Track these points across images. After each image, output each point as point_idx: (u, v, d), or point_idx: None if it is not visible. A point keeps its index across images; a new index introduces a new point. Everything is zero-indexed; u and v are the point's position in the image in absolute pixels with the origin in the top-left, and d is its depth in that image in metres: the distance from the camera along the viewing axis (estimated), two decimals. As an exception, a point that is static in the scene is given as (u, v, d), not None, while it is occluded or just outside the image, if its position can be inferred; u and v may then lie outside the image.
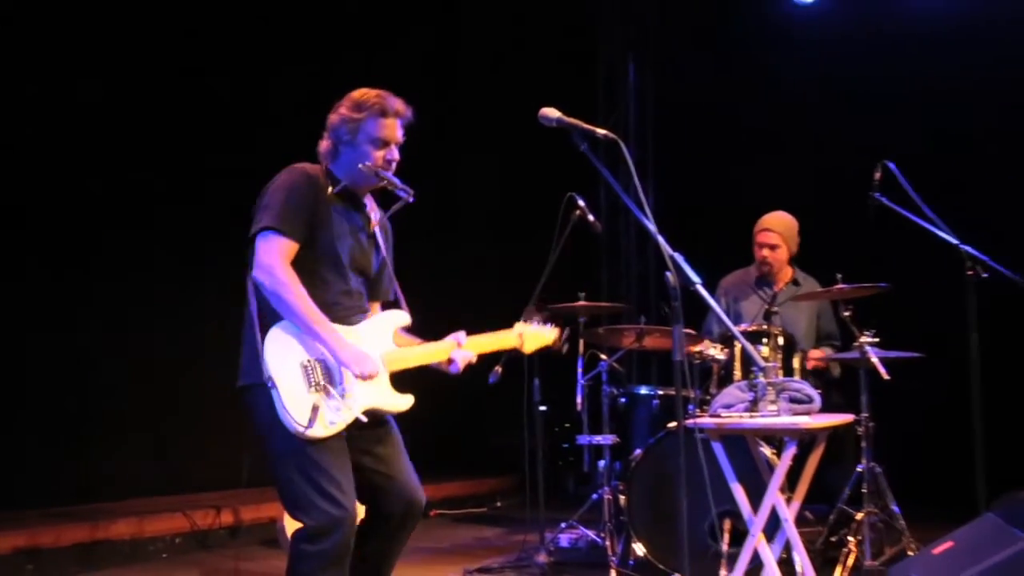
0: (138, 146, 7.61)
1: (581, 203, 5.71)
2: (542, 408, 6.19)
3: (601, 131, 3.94)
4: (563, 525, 6.54)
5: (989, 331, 5.42)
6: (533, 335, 4.44)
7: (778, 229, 6.49)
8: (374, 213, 4.20)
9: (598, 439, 6.33)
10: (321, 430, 3.76)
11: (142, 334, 7.57)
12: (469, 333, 4.23)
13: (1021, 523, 4.67)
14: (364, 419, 3.87)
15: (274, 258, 3.80)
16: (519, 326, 4.44)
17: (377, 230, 4.19)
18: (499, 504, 8.92)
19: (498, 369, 5.57)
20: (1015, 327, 6.58)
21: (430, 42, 9.43)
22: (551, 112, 3.96)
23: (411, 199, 4.05)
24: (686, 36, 9.59)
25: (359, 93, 4.07)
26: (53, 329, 7.11)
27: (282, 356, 3.79)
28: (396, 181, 4.03)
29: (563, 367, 6.51)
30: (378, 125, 4.01)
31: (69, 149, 7.23)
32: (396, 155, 4.06)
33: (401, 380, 4.07)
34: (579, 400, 6.45)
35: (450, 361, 4.13)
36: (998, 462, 5.40)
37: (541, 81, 9.08)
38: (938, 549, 4.16)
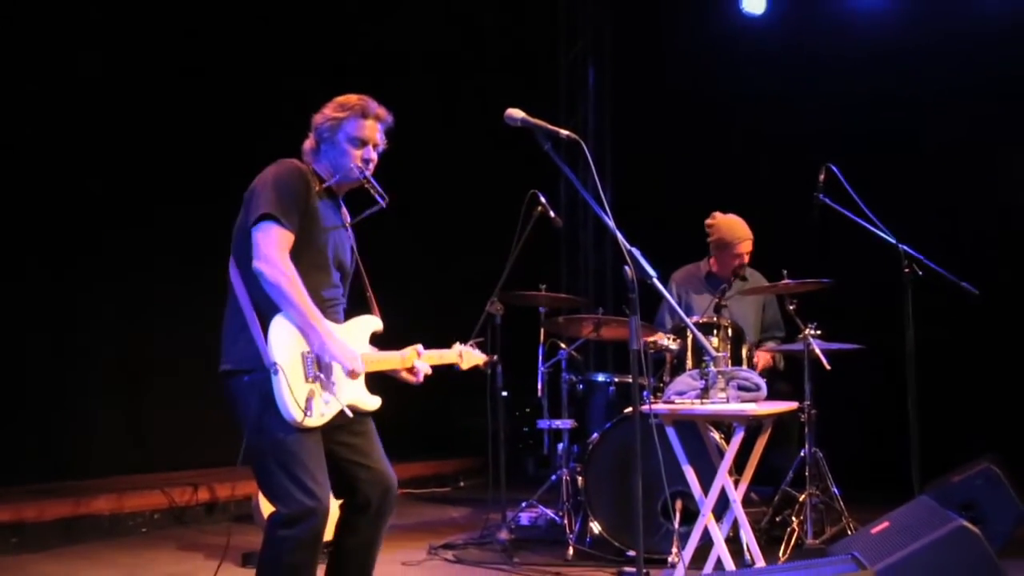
0: (137, 144, 7.53)
1: (543, 200, 5.70)
2: (504, 393, 6.18)
3: (564, 132, 3.92)
4: (523, 504, 6.53)
5: (924, 325, 5.46)
6: (468, 355, 4.53)
7: (752, 238, 6.49)
8: (345, 211, 4.17)
9: (557, 423, 6.34)
10: (314, 419, 3.74)
11: (119, 321, 7.50)
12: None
13: (953, 505, 4.71)
14: (350, 413, 3.86)
15: (275, 249, 3.73)
16: (457, 347, 4.50)
17: (350, 229, 4.16)
18: (463, 484, 8.91)
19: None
20: (948, 322, 6.61)
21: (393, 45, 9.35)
22: (516, 113, 3.93)
23: (384, 205, 4.03)
24: (642, 45, 9.60)
25: (343, 96, 4.04)
26: (38, 314, 7.03)
27: (285, 344, 3.73)
28: (376, 185, 4.00)
29: (524, 355, 6.50)
30: (358, 125, 3.98)
31: (69, 147, 7.14)
32: (373, 156, 4.02)
33: (372, 380, 4.08)
34: (539, 386, 6.45)
35: (411, 370, 4.15)
36: (932, 448, 5.44)
37: (507, 85, 9.06)
38: (876, 529, 4.16)
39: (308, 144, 4.06)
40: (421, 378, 4.19)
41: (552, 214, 5.75)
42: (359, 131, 3.98)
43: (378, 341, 4.19)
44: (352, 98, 4.02)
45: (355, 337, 4.04)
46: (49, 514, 6.35)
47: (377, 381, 4.10)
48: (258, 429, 3.75)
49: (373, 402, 4.05)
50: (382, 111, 4.04)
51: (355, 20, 8.79)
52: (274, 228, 3.75)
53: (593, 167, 3.92)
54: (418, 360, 4.16)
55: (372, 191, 4.01)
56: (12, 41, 6.83)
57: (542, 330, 6.41)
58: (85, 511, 6.52)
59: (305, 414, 3.70)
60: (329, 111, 4.01)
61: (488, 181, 8.64)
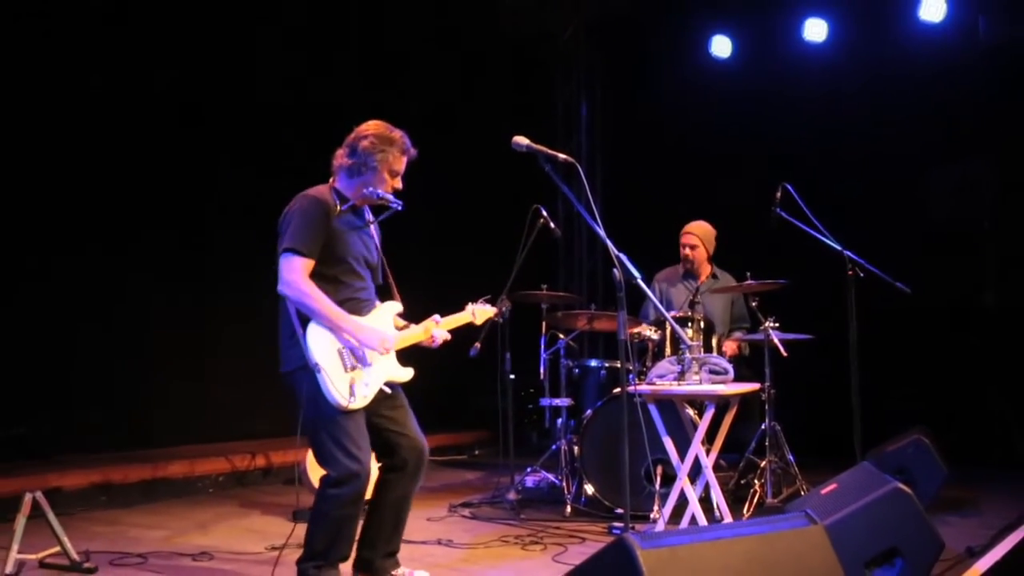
0: (205, 129, 7.53)
1: (544, 213, 5.70)
2: (512, 376, 6.17)
3: (561, 155, 3.95)
4: (528, 470, 6.54)
5: (864, 318, 5.46)
6: (480, 312, 4.56)
7: (697, 233, 6.55)
8: (368, 214, 4.23)
9: (556, 401, 6.33)
10: (357, 402, 3.87)
11: (194, 309, 7.47)
12: (447, 314, 4.39)
13: (889, 469, 4.72)
14: (388, 389, 4.01)
15: (295, 275, 3.84)
16: (470, 306, 4.54)
17: (373, 228, 4.23)
18: (477, 453, 8.90)
19: (478, 345, 5.60)
20: (884, 315, 6.59)
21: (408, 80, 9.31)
22: (521, 140, 3.95)
23: (400, 209, 4.10)
24: (627, 82, 9.60)
25: (385, 127, 4.06)
26: (122, 301, 7.02)
27: (322, 346, 3.85)
28: (391, 199, 4.07)
29: (529, 344, 6.50)
30: (398, 160, 4.05)
31: (138, 139, 7.11)
32: (400, 185, 4.10)
33: (403, 356, 4.17)
34: (541, 370, 6.45)
35: (431, 338, 4.25)
36: (871, 422, 5.44)
37: (511, 116, 9.06)
38: (825, 490, 4.16)
39: (341, 160, 4.07)
40: (438, 343, 4.28)
41: (552, 225, 5.75)
42: (398, 165, 4.06)
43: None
44: (396, 134, 4.05)
45: (382, 322, 4.11)
46: (132, 477, 6.39)
47: (415, 378, 4.20)
48: (313, 410, 3.87)
49: (406, 373, 4.15)
50: (413, 150, 4.10)
51: (386, 63, 8.79)
52: (294, 259, 3.85)
53: (586, 185, 3.96)
54: (436, 328, 4.27)
55: (387, 203, 4.08)
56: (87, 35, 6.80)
57: (544, 323, 6.41)
58: (162, 474, 6.55)
59: (349, 400, 3.83)
60: (375, 141, 4.00)
61: (498, 197, 8.63)
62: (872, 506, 3.68)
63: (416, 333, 4.22)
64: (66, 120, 6.69)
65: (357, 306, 4.00)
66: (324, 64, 8.29)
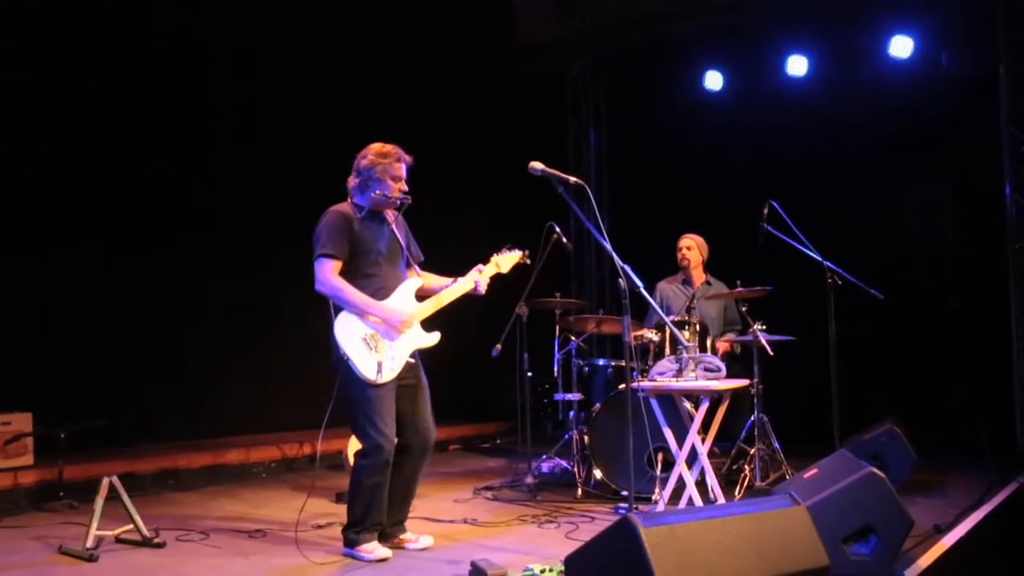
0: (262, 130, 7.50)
1: (557, 230, 5.70)
2: (529, 374, 6.16)
3: (572, 179, 3.98)
4: (544, 457, 6.53)
5: (842, 321, 5.44)
6: (506, 259, 4.63)
7: (692, 239, 6.60)
8: (391, 215, 4.41)
9: (569, 396, 6.32)
10: (385, 376, 4.12)
11: (245, 315, 7.46)
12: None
13: (864, 456, 4.69)
14: (412, 360, 4.24)
15: (326, 274, 4.14)
16: (494, 257, 4.61)
17: (395, 226, 4.41)
18: (499, 441, 8.89)
19: (499, 346, 5.61)
20: (860, 319, 6.56)
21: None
22: (537, 165, 3.99)
23: (409, 201, 4.32)
24: (630, 112, 9.59)
25: (378, 145, 4.32)
26: (188, 308, 7.03)
27: (348, 336, 4.11)
28: (399, 197, 4.29)
29: (544, 345, 6.50)
30: (398, 168, 4.29)
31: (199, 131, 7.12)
32: (405, 186, 4.31)
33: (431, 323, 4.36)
34: (555, 368, 6.45)
35: (475, 287, 4.44)
36: (848, 414, 5.41)
37: (527, 144, 9.06)
38: (807, 474, 4.15)
39: (352, 182, 4.33)
40: (483, 289, 4.46)
41: (564, 240, 5.75)
42: (398, 171, 4.28)
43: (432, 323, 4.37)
44: (388, 147, 4.28)
45: (404, 299, 4.30)
46: (195, 463, 6.44)
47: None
48: (349, 392, 4.15)
49: (431, 339, 4.34)
50: (408, 156, 4.32)
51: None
52: (325, 261, 4.15)
53: (595, 204, 3.97)
54: (480, 276, 4.46)
55: (399, 201, 4.30)
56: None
57: (557, 326, 6.41)
58: (221, 461, 6.59)
59: (377, 376, 4.09)
60: (374, 157, 4.25)
61: (516, 215, 8.63)
62: (849, 488, 3.68)
63: (460, 285, 4.41)
64: (133, 119, 6.73)
65: (386, 293, 4.25)
66: (377, 99, 8.27)
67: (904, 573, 3.73)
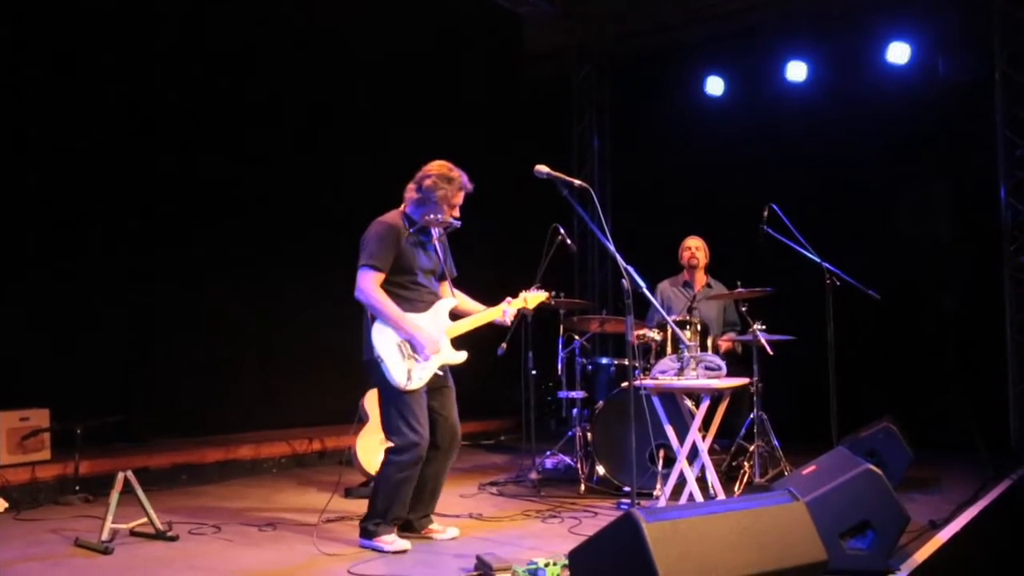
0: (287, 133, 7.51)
1: (562, 231, 5.71)
2: (534, 372, 6.17)
3: (577, 181, 3.99)
4: (548, 453, 6.54)
5: (840, 321, 5.43)
6: (533, 297, 4.74)
7: (698, 240, 6.65)
8: (435, 232, 4.45)
9: (572, 394, 6.33)
10: (415, 384, 4.17)
11: (259, 320, 7.48)
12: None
13: (861, 453, 4.69)
14: (440, 373, 4.31)
15: (367, 285, 4.17)
16: (523, 294, 4.72)
17: (438, 244, 4.46)
18: (503, 438, 8.90)
19: (504, 345, 5.59)
20: (858, 319, 6.56)
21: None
22: (542, 168, 4.01)
23: (459, 226, 4.38)
24: (633, 117, 9.60)
25: (446, 168, 4.31)
26: (201, 308, 7.02)
27: (384, 342, 4.17)
28: (450, 221, 4.34)
29: (548, 344, 6.51)
30: (457, 196, 4.33)
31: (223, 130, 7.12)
32: (458, 213, 4.35)
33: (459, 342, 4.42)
34: (559, 367, 6.45)
35: (503, 315, 4.52)
36: (846, 412, 5.40)
37: (534, 147, 9.05)
38: (806, 471, 4.14)
39: (411, 194, 4.33)
40: (509, 320, 4.56)
41: (568, 241, 5.75)
42: (456, 199, 4.31)
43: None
44: (455, 174, 4.29)
45: (437, 319, 4.35)
46: (208, 458, 6.44)
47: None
48: (383, 390, 4.21)
49: (459, 356, 4.41)
50: (470, 185, 4.34)
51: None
52: (369, 272, 4.17)
53: (598, 206, 3.99)
54: (508, 308, 4.54)
55: (450, 224, 4.34)
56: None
57: (561, 326, 6.41)
58: (233, 456, 6.60)
59: (407, 383, 4.14)
60: (438, 180, 4.25)
61: (523, 217, 8.65)
62: (847, 485, 3.68)
63: (488, 313, 4.50)
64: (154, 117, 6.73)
65: (422, 308, 4.30)
66: (394, 106, 8.28)
67: (900, 568, 3.72)
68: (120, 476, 4.41)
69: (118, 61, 6.57)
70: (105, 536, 4.25)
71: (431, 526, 4.45)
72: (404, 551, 4.15)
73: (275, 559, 4.12)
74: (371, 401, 5.71)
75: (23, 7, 6.07)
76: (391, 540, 4.18)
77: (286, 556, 4.17)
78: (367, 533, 4.22)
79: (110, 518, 4.30)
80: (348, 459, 5.65)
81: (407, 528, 4.35)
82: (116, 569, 3.94)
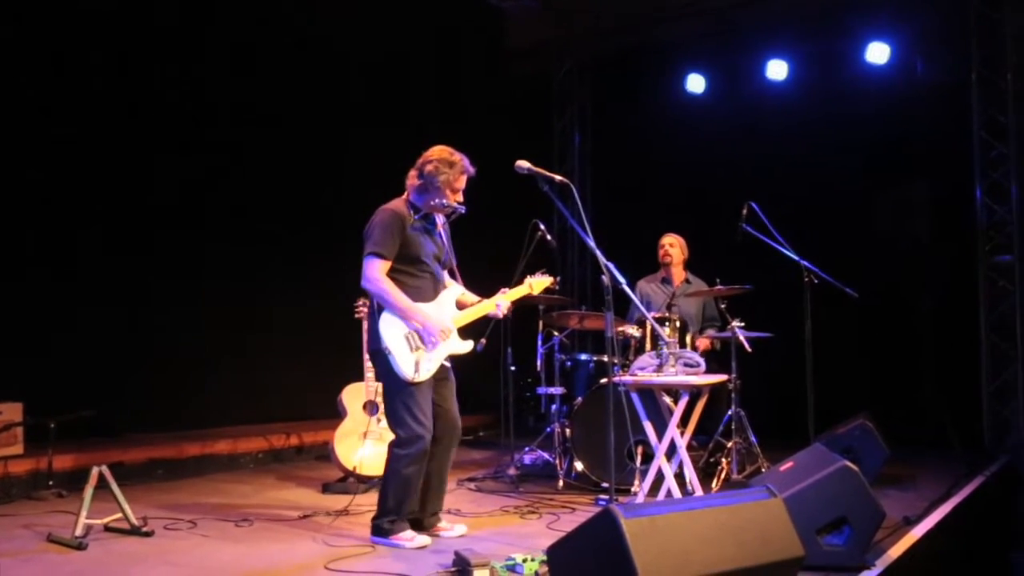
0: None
1: (542, 227, 5.70)
2: (512, 368, 6.16)
3: (558, 177, 3.97)
4: (526, 449, 6.52)
5: (817, 318, 5.46)
6: (538, 283, 4.77)
7: (674, 238, 6.68)
8: (440, 219, 4.45)
9: (551, 390, 6.32)
10: (422, 376, 4.15)
11: (238, 318, 7.38)
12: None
13: (838, 449, 4.71)
14: (448, 363, 4.31)
15: (374, 273, 4.13)
16: (528, 279, 4.74)
17: (442, 230, 4.46)
18: (482, 434, 8.88)
19: (483, 340, 5.55)
20: (836, 317, 6.59)
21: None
22: (523, 163, 3.99)
23: (464, 212, 4.34)
24: (615, 114, 9.61)
25: (447, 152, 4.28)
26: (177, 303, 6.97)
27: (392, 333, 4.14)
28: (454, 207, 4.30)
29: (527, 340, 6.50)
30: (460, 180, 4.29)
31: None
32: (461, 197, 4.31)
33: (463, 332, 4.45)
34: (538, 363, 6.45)
35: (496, 308, 4.53)
36: (823, 409, 5.43)
37: (515, 143, 9.01)
38: (783, 467, 4.16)
39: (412, 180, 4.31)
40: (503, 312, 4.56)
41: (548, 237, 5.75)
42: (458, 183, 4.28)
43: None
44: (456, 158, 4.26)
45: (445, 306, 4.36)
46: (185, 453, 6.39)
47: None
48: (389, 382, 4.18)
49: (465, 346, 4.41)
50: (471, 168, 4.32)
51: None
52: (375, 260, 4.14)
53: (579, 203, 3.96)
54: (502, 299, 4.54)
55: (455, 210, 4.33)
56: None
57: (541, 322, 6.40)
58: (210, 451, 6.55)
59: (415, 375, 4.13)
60: (438, 164, 4.22)
61: (502, 212, 8.62)
62: (823, 481, 3.69)
63: (483, 306, 4.48)
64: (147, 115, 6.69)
65: (428, 295, 4.27)
66: (381, 98, 8.25)
67: (875, 563, 3.75)
68: (95, 471, 4.36)
69: (118, 61, 6.55)
70: (79, 532, 4.21)
71: (440, 524, 4.38)
72: (424, 546, 4.12)
73: (251, 554, 4.09)
74: (349, 396, 5.68)
75: (23, 7, 6.04)
76: (410, 536, 4.13)
77: (262, 551, 4.14)
78: (381, 531, 4.15)
79: (84, 513, 4.26)
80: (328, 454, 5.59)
81: (416, 526, 4.26)
82: (90, 565, 3.89)
